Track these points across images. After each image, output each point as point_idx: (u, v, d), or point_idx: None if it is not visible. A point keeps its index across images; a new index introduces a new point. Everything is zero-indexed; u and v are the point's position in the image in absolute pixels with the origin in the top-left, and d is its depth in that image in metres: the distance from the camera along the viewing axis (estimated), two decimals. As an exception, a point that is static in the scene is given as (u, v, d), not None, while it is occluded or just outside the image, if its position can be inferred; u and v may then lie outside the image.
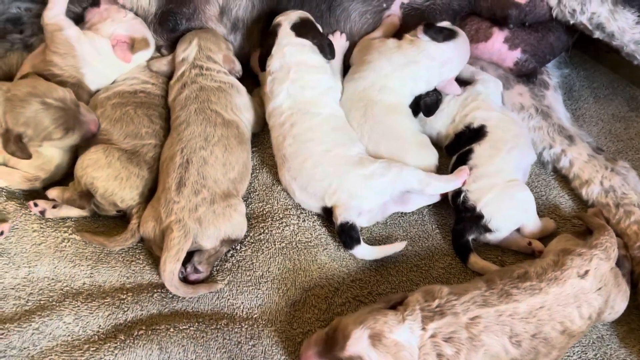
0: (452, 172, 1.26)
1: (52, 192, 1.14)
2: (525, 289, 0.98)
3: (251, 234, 1.17)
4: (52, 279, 1.10)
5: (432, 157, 1.25)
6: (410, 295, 1.00)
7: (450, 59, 1.29)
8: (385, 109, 1.26)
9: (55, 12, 1.24)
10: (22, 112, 1.09)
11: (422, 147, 1.25)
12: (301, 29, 1.29)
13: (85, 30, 1.29)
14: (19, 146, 1.10)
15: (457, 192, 1.20)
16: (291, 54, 1.27)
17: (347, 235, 1.12)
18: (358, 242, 1.12)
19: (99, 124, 1.17)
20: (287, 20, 1.30)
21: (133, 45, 1.30)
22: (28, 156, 1.13)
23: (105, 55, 1.28)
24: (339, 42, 1.39)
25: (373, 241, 1.18)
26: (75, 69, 1.25)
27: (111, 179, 1.12)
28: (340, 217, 1.13)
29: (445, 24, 1.34)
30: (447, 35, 1.29)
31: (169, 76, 1.34)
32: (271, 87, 1.27)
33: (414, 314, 0.95)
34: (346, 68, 1.38)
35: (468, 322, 0.94)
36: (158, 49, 1.38)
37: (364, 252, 1.13)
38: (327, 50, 1.29)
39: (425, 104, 1.32)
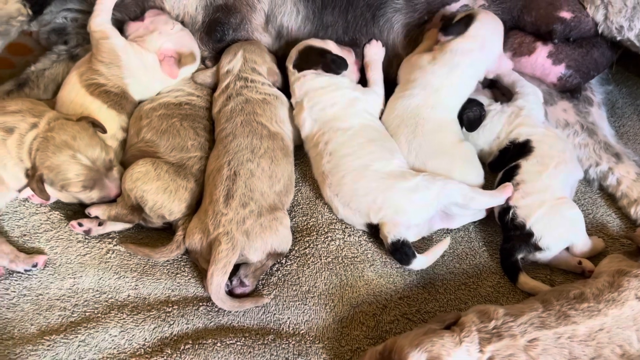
0: (497, 186, 1.24)
1: (96, 210, 1.13)
2: (583, 311, 0.95)
3: (296, 248, 1.16)
4: (97, 290, 1.10)
5: (479, 175, 1.23)
6: (464, 316, 0.98)
7: (485, 37, 1.28)
8: (436, 126, 1.24)
9: (101, 20, 1.24)
10: (51, 157, 1.09)
11: (470, 165, 1.23)
12: (301, 63, 1.30)
13: (132, 43, 1.29)
14: (39, 186, 1.10)
15: (505, 209, 1.18)
16: (299, 88, 1.29)
17: (401, 253, 1.11)
18: (414, 256, 1.11)
19: (119, 190, 1.16)
20: (289, 61, 1.33)
21: (180, 59, 1.29)
22: (46, 198, 1.13)
23: (151, 69, 1.27)
24: (375, 49, 1.37)
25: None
26: (119, 79, 1.25)
27: (160, 192, 1.12)
28: (390, 235, 1.11)
29: (458, 16, 1.32)
30: (467, 21, 1.28)
31: (213, 88, 1.34)
32: (296, 120, 1.29)
33: (470, 335, 0.92)
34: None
35: (526, 345, 0.92)
36: (202, 60, 1.38)
37: (421, 263, 1.12)
38: (332, 68, 1.28)
39: (468, 119, 1.30)
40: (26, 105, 1.16)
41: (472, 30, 1.26)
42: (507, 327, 0.94)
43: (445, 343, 0.91)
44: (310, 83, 1.28)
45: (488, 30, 1.28)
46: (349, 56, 1.37)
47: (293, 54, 1.32)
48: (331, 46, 1.32)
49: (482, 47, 1.27)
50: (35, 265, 1.10)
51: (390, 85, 1.35)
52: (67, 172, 1.09)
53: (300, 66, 1.30)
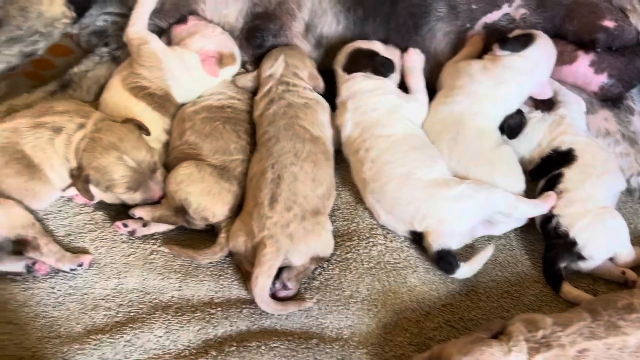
0: (539, 194, 1.23)
1: (141, 212, 1.14)
2: (632, 321, 0.94)
3: (337, 253, 1.16)
4: (141, 290, 1.11)
5: (520, 181, 1.22)
6: (511, 325, 0.97)
7: (538, 61, 1.27)
8: (478, 133, 1.24)
9: (139, 27, 1.26)
10: (98, 158, 1.10)
11: (511, 171, 1.23)
12: (350, 66, 1.31)
13: (174, 46, 1.30)
14: (84, 187, 1.12)
15: (548, 218, 1.18)
16: (346, 89, 1.29)
17: (446, 262, 1.11)
18: (458, 265, 1.10)
19: (163, 192, 1.17)
20: (338, 64, 1.33)
21: (221, 60, 1.31)
22: (91, 198, 1.14)
23: (193, 69, 1.28)
24: (414, 56, 1.36)
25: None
26: (162, 81, 1.26)
27: (204, 194, 1.13)
28: (435, 244, 1.11)
29: (517, 32, 1.32)
30: (525, 41, 1.27)
31: (253, 92, 1.35)
32: (337, 121, 1.29)
33: (519, 344, 0.92)
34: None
35: (576, 355, 0.91)
36: (243, 64, 1.38)
37: (465, 272, 1.12)
38: (381, 70, 1.29)
39: (509, 126, 1.30)
40: (73, 106, 1.18)
41: (529, 51, 1.26)
42: (556, 337, 0.93)
43: (494, 352, 0.91)
44: (358, 85, 1.28)
45: (543, 55, 1.28)
46: (395, 53, 1.36)
47: (342, 56, 1.32)
48: (378, 47, 1.33)
49: (533, 70, 1.27)
50: (80, 265, 1.11)
51: (431, 93, 1.35)
52: (113, 173, 1.10)
53: (350, 69, 1.30)
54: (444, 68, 1.36)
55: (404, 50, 1.38)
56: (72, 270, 1.11)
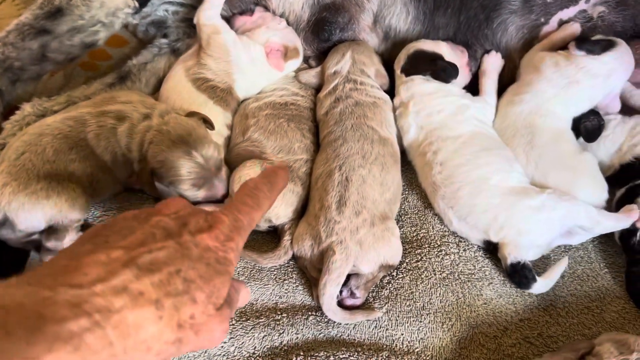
0: (617, 203, 1.17)
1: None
2: None
3: (407, 261, 1.11)
4: (204, 293, 1.06)
5: (603, 190, 1.16)
6: (598, 345, 0.91)
7: (615, 69, 1.20)
8: (553, 136, 1.17)
9: (212, 14, 1.21)
10: (165, 151, 1.05)
11: (594, 180, 1.16)
12: (410, 69, 1.25)
13: (240, 36, 1.26)
14: (149, 180, 1.07)
15: (630, 231, 1.10)
16: (405, 90, 1.24)
17: (521, 276, 1.04)
18: (534, 280, 1.04)
19: (226, 191, 1.12)
20: (397, 64, 1.28)
21: (286, 54, 1.26)
22: (156, 193, 1.10)
23: (258, 62, 1.24)
24: (494, 59, 1.31)
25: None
26: (227, 75, 1.22)
27: (269, 194, 1.08)
28: (511, 256, 1.05)
29: (598, 37, 1.25)
30: (605, 46, 1.21)
31: (316, 88, 1.30)
32: (399, 123, 1.24)
33: (611, 367, 0.86)
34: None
35: (675, 382, 0.85)
36: (305, 59, 1.34)
37: (541, 287, 1.05)
38: (442, 76, 1.23)
39: (586, 129, 1.23)
40: (136, 97, 1.14)
41: (607, 56, 1.19)
42: (652, 361, 0.87)
43: (585, 375, 0.85)
44: (417, 87, 1.23)
45: (622, 64, 1.20)
46: (462, 57, 1.30)
47: (402, 57, 1.27)
48: (443, 49, 1.26)
49: (608, 77, 1.20)
50: None
51: (500, 91, 1.29)
52: (179, 168, 1.06)
53: (409, 71, 1.25)
54: (525, 56, 1.29)
55: (473, 45, 1.32)
56: None
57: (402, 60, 1.27)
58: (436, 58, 1.25)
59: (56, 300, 0.47)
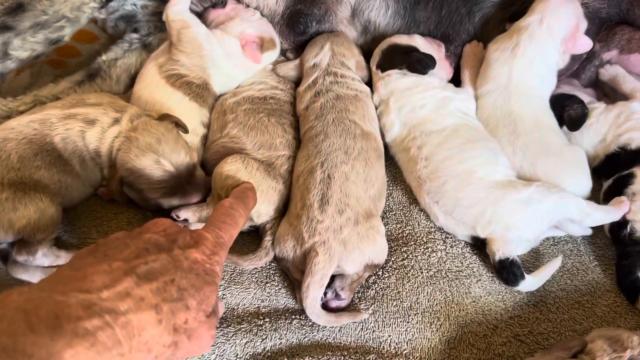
0: (605, 194, 1.15)
1: (186, 213, 1.04)
2: None
3: (393, 259, 1.07)
4: (182, 299, 1.02)
5: (588, 179, 1.13)
6: (591, 342, 0.88)
7: (544, 11, 1.18)
8: (535, 122, 1.15)
9: (181, 8, 1.15)
10: (133, 160, 1.00)
11: (580, 167, 1.14)
12: (384, 64, 1.22)
13: (213, 29, 1.21)
14: (118, 189, 1.03)
15: (620, 224, 1.08)
16: (383, 87, 1.20)
17: (509, 273, 1.01)
18: (522, 277, 1.01)
19: (202, 195, 1.08)
20: (373, 62, 1.25)
21: (262, 45, 1.21)
22: (124, 201, 1.07)
23: (234, 55, 1.19)
24: (475, 49, 1.28)
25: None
26: (202, 70, 1.17)
27: (251, 192, 1.03)
28: (499, 252, 1.02)
29: None
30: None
31: (296, 82, 1.25)
32: (382, 121, 1.20)
33: (604, 366, 0.83)
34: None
35: (671, 379, 0.82)
36: (283, 52, 1.29)
37: (530, 284, 1.02)
38: (418, 68, 1.19)
39: (569, 117, 1.20)
40: (106, 99, 1.08)
41: (533, 5, 1.20)
42: (646, 358, 0.85)
43: (579, 374, 0.82)
44: (395, 83, 1.19)
45: (547, 5, 1.19)
46: (439, 51, 1.27)
47: (376, 53, 1.24)
48: (418, 42, 1.23)
49: (540, 22, 1.18)
50: None
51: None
52: (149, 177, 1.01)
53: (384, 66, 1.22)
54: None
55: (454, 40, 1.29)
56: None
57: (377, 56, 1.24)
58: (411, 50, 1.21)
59: (69, 303, 0.54)
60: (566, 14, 1.20)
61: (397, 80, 1.20)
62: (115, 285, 0.57)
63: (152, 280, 0.60)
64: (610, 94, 1.31)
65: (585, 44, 1.21)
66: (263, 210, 1.06)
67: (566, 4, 1.21)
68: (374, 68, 1.24)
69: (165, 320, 0.59)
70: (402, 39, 1.25)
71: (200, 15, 1.27)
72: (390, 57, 1.22)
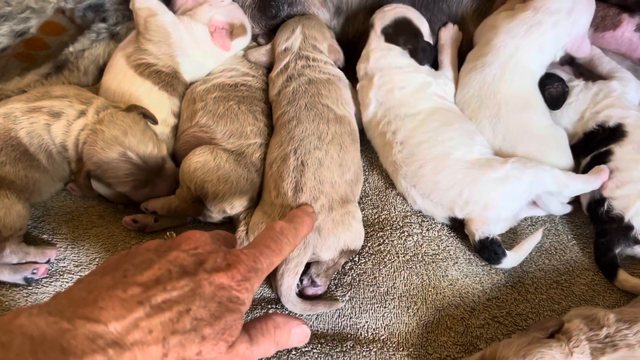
0: (583, 172, 1.13)
1: (154, 205, 1.03)
2: None
3: (369, 244, 1.06)
4: (156, 291, 1.00)
5: (569, 157, 1.12)
6: (568, 322, 0.87)
7: (575, 2, 1.14)
8: (521, 104, 1.13)
9: None
10: (99, 153, 0.98)
11: (561, 147, 1.12)
12: (392, 33, 1.18)
13: (181, 16, 1.18)
14: (85, 182, 1.01)
15: (597, 201, 1.07)
16: (376, 59, 1.16)
17: (491, 251, 1.00)
18: (504, 254, 1.00)
19: (172, 187, 1.06)
20: (380, 20, 1.19)
21: (232, 31, 1.19)
22: (92, 195, 1.05)
23: (202, 42, 1.17)
24: (451, 32, 1.26)
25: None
26: (170, 58, 1.14)
27: (221, 183, 1.02)
28: (478, 232, 1.01)
29: None
30: None
31: (268, 67, 1.23)
32: (360, 96, 1.17)
33: (580, 345, 0.82)
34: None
35: (647, 356, 0.82)
36: (254, 37, 1.27)
37: (512, 260, 1.02)
38: (420, 57, 1.17)
39: (550, 96, 1.18)
40: (72, 91, 1.06)
41: None
42: (622, 336, 0.83)
43: (554, 354, 0.81)
44: (392, 59, 1.16)
45: (583, 0, 1.15)
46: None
47: (386, 18, 1.19)
48: (425, 29, 1.21)
49: (569, 12, 1.14)
50: (48, 261, 1.00)
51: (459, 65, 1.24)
52: (116, 170, 0.99)
53: (391, 38, 1.17)
54: (478, 28, 1.24)
55: (429, 20, 1.26)
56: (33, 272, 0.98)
57: (387, 22, 1.18)
58: (419, 34, 1.19)
59: (75, 334, 0.52)
60: (590, 16, 1.18)
61: (394, 57, 1.16)
62: (125, 316, 0.55)
63: (166, 310, 0.57)
64: (586, 73, 1.29)
65: (586, 49, 1.19)
66: (236, 200, 1.04)
67: (592, 6, 1.18)
68: (379, 31, 1.19)
69: (172, 353, 0.56)
70: (414, 16, 1.21)
71: (169, 2, 1.24)
72: (399, 32, 1.18)
